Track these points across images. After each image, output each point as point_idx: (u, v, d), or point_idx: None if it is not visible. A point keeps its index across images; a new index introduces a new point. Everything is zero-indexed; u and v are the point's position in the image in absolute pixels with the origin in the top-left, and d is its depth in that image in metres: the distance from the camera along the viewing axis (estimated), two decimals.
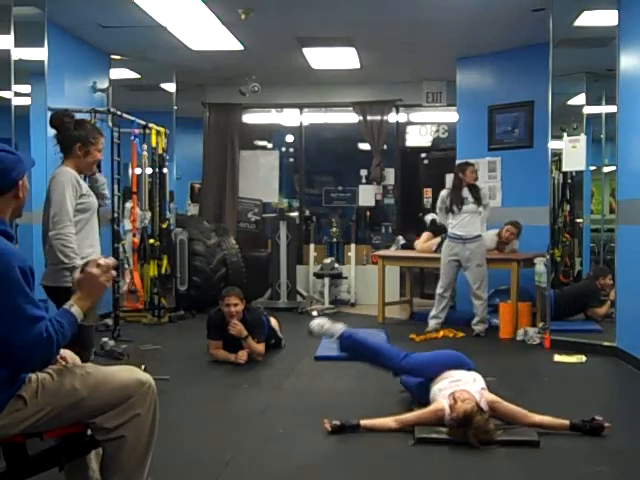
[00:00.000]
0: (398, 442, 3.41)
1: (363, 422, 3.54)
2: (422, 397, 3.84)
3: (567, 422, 3.51)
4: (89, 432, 2.30)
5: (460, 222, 6.40)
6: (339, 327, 4.15)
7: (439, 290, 6.57)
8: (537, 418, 3.53)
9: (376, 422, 3.57)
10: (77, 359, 2.47)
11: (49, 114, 5.38)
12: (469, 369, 3.83)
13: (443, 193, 6.59)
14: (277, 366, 5.22)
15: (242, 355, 5.11)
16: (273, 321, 5.76)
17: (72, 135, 3.55)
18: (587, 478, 3.06)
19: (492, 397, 3.55)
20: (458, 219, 6.41)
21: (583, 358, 5.39)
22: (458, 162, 6.90)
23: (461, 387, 3.54)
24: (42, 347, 2.07)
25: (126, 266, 7.02)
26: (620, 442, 3.43)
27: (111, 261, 2.29)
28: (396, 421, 3.56)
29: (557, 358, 5.42)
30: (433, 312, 6.56)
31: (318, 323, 4.23)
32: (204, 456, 3.29)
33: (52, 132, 3.65)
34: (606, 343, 5.54)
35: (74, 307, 2.18)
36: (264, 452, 3.37)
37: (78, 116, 4.01)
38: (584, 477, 3.08)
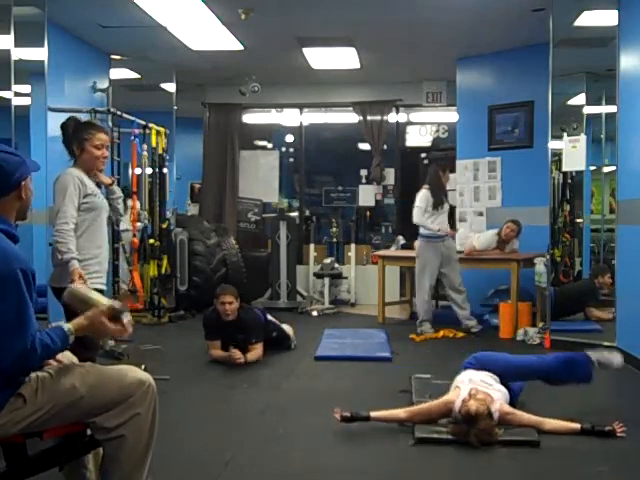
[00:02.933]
0: (398, 442, 3.42)
1: (373, 414, 3.54)
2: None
3: (578, 426, 3.50)
4: (89, 432, 2.31)
5: (441, 222, 6.49)
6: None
7: (427, 297, 6.54)
8: (548, 426, 3.51)
9: (386, 413, 3.58)
10: (75, 359, 2.47)
11: (49, 114, 5.42)
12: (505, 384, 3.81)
13: (427, 193, 6.48)
14: (277, 366, 5.21)
15: (237, 353, 5.06)
16: (286, 326, 5.79)
17: (69, 136, 3.60)
18: (587, 478, 3.07)
19: (507, 409, 3.54)
20: (439, 218, 6.46)
21: None
22: (435, 162, 6.92)
23: (484, 390, 3.54)
24: (24, 358, 2.05)
25: (125, 266, 7.02)
26: (621, 442, 3.42)
27: (130, 330, 2.38)
28: (406, 412, 3.57)
29: None
30: (425, 317, 6.51)
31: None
32: (204, 456, 3.29)
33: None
34: (606, 343, 5.52)
35: (72, 335, 2.17)
36: (264, 452, 3.37)
37: (78, 116, 4.01)
38: (584, 477, 3.08)
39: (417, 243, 6.67)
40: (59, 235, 3.44)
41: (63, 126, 3.63)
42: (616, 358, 3.95)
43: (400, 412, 3.58)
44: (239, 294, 5.25)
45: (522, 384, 4.03)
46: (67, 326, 2.18)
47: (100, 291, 3.60)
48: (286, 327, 5.79)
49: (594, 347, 5.49)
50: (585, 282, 6.78)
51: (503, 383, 3.76)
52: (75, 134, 3.58)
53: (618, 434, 3.45)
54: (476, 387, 3.53)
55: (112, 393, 2.24)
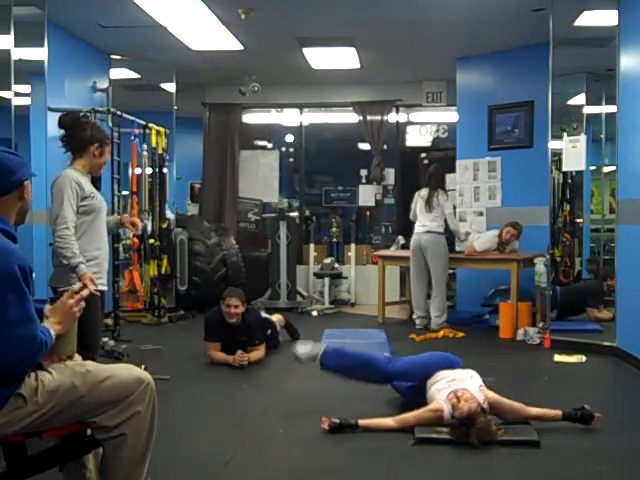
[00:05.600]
0: (398, 442, 3.41)
1: (362, 422, 3.54)
2: (414, 400, 3.83)
3: (560, 412, 3.58)
4: (89, 432, 2.31)
5: None
6: (320, 346, 4.07)
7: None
8: (534, 411, 3.59)
9: (375, 422, 3.57)
10: (79, 357, 2.47)
11: (49, 114, 5.42)
12: (460, 367, 3.83)
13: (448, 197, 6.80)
14: (277, 366, 5.21)
15: (242, 357, 5.04)
16: (276, 317, 5.82)
17: (89, 135, 3.55)
18: (587, 478, 3.07)
19: (491, 395, 3.56)
20: None
21: (583, 358, 5.39)
22: (433, 165, 7.00)
23: (461, 386, 3.54)
24: (33, 349, 2.07)
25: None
26: (620, 442, 3.43)
27: (85, 292, 2.33)
28: (395, 421, 3.56)
29: (557, 358, 5.43)
30: (439, 312, 6.58)
31: (304, 351, 4.06)
32: (204, 456, 3.28)
33: (55, 133, 3.65)
34: (606, 343, 5.54)
35: (51, 330, 2.19)
36: (264, 452, 3.37)
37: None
38: (584, 477, 3.08)
39: (435, 239, 6.62)
40: (62, 241, 3.43)
41: (73, 123, 3.57)
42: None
43: (389, 421, 3.57)
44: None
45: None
46: (49, 329, 2.19)
47: (101, 292, 3.62)
48: (275, 318, 5.81)
49: (594, 347, 5.56)
50: (590, 282, 6.79)
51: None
52: (98, 135, 3.57)
53: (595, 416, 3.53)
54: (459, 388, 3.52)
55: (112, 392, 2.24)
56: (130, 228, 3.93)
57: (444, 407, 3.47)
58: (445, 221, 6.65)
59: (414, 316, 6.78)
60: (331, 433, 3.49)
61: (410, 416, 3.59)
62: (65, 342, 2.30)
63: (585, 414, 3.55)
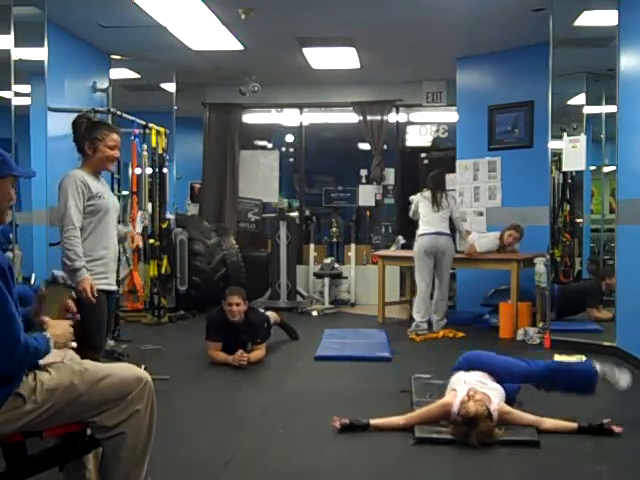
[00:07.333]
0: (398, 442, 3.41)
1: (373, 421, 3.55)
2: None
3: (575, 425, 3.51)
4: (89, 432, 2.31)
5: None
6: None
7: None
8: (547, 424, 3.52)
9: (385, 421, 3.58)
10: (77, 357, 2.47)
11: (49, 114, 5.42)
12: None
13: None
14: (277, 366, 5.21)
15: (242, 357, 5.04)
16: (271, 313, 5.83)
17: (81, 135, 3.57)
18: (587, 478, 3.07)
19: (506, 408, 3.53)
20: None
21: (583, 358, 5.38)
22: (436, 170, 6.95)
23: (482, 389, 3.53)
24: (17, 350, 2.04)
25: (126, 266, 7.01)
26: (620, 442, 3.42)
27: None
28: (404, 418, 3.57)
29: (557, 358, 5.40)
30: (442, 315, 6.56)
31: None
32: (204, 456, 3.28)
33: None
34: (606, 343, 5.54)
35: (48, 336, 2.19)
36: (264, 452, 3.36)
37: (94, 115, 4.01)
38: (584, 477, 3.08)
39: (450, 242, 6.57)
40: (68, 242, 3.43)
41: (75, 123, 3.60)
42: (624, 378, 3.77)
43: (399, 419, 3.58)
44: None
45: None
46: (49, 335, 2.19)
47: (108, 292, 3.61)
48: (270, 314, 5.82)
49: (594, 347, 5.55)
50: (589, 282, 6.78)
51: (497, 381, 3.77)
52: (88, 133, 3.56)
53: (615, 431, 3.47)
54: (474, 388, 3.52)
55: (110, 390, 2.24)
56: (129, 241, 3.96)
57: (454, 402, 3.46)
58: (450, 221, 6.60)
59: (417, 319, 6.53)
60: (342, 432, 3.49)
61: (420, 412, 3.61)
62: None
63: (605, 430, 3.46)
